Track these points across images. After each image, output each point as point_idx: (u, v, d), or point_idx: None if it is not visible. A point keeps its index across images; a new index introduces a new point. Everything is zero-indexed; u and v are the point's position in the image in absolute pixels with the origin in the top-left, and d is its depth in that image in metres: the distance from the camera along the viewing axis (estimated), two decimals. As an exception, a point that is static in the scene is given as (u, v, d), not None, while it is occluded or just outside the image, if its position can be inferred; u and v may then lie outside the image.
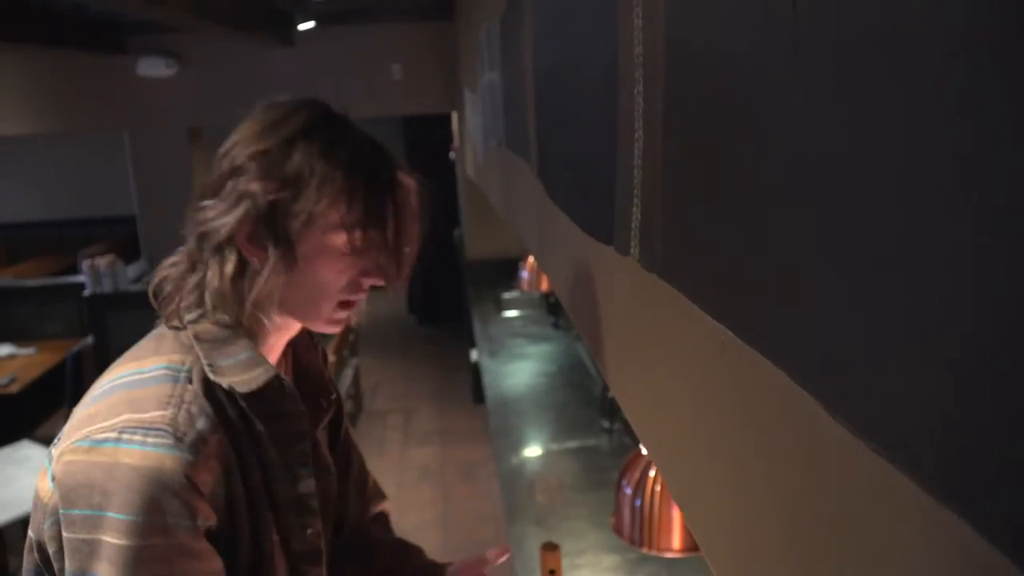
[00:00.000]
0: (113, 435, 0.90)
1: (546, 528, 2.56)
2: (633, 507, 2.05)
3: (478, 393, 5.64)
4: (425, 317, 8.38)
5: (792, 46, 0.48)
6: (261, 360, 0.99)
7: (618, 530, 2.11)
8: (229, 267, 0.97)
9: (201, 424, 0.94)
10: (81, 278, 5.43)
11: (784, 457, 0.53)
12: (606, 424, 3.17)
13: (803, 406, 0.48)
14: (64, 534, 0.91)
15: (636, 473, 2.05)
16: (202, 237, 0.99)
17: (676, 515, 1.98)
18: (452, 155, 7.35)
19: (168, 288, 1.03)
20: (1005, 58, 0.31)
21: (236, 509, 0.97)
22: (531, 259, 4.46)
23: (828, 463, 0.46)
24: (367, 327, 7.46)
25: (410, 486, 4.98)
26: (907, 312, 0.38)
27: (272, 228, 0.96)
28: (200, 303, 1.00)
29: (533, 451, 3.18)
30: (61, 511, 0.91)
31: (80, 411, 0.96)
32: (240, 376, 0.97)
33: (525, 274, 4.57)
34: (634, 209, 0.86)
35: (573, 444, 3.18)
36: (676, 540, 1.98)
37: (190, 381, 0.96)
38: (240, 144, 0.99)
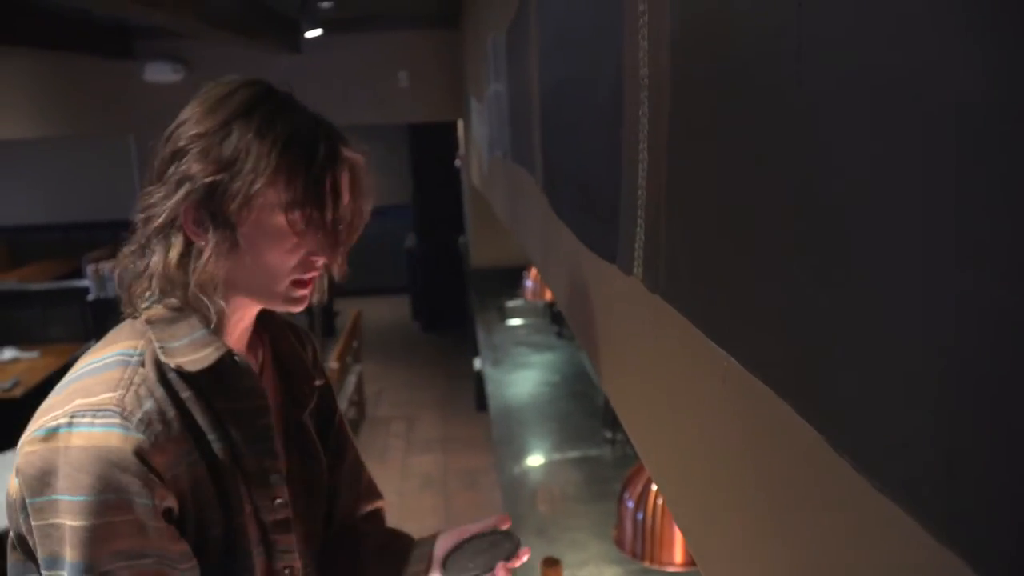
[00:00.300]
0: (65, 420, 0.93)
1: (548, 539, 2.56)
2: (635, 520, 2.04)
3: (481, 401, 5.64)
4: (429, 325, 8.38)
5: (797, 72, 0.48)
6: (212, 339, 1.01)
7: (620, 543, 2.10)
8: (174, 252, 0.98)
9: (149, 404, 0.96)
10: (85, 282, 5.44)
11: (785, 486, 0.53)
12: (609, 434, 3.16)
13: (805, 437, 0.48)
14: (32, 523, 0.94)
15: (638, 487, 2.05)
16: (147, 222, 1.00)
17: (678, 530, 1.97)
18: (457, 163, 7.36)
19: (127, 277, 1.04)
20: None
21: (202, 485, 0.99)
22: (535, 268, 4.46)
23: (828, 495, 0.46)
24: (371, 334, 7.48)
25: (412, 494, 4.97)
26: (911, 348, 0.38)
27: (212, 210, 0.97)
28: (151, 288, 1.02)
29: (536, 460, 3.18)
30: (27, 501, 0.93)
31: (41, 406, 0.99)
32: (190, 356, 0.99)
33: (529, 283, 4.57)
34: (638, 230, 0.86)
35: (575, 454, 3.17)
36: (678, 554, 1.98)
37: (142, 365, 0.98)
38: (182, 126, 1.00)
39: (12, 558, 1.03)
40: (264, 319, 1.16)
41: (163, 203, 0.98)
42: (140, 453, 0.93)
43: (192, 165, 0.97)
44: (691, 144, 0.69)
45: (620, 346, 1.01)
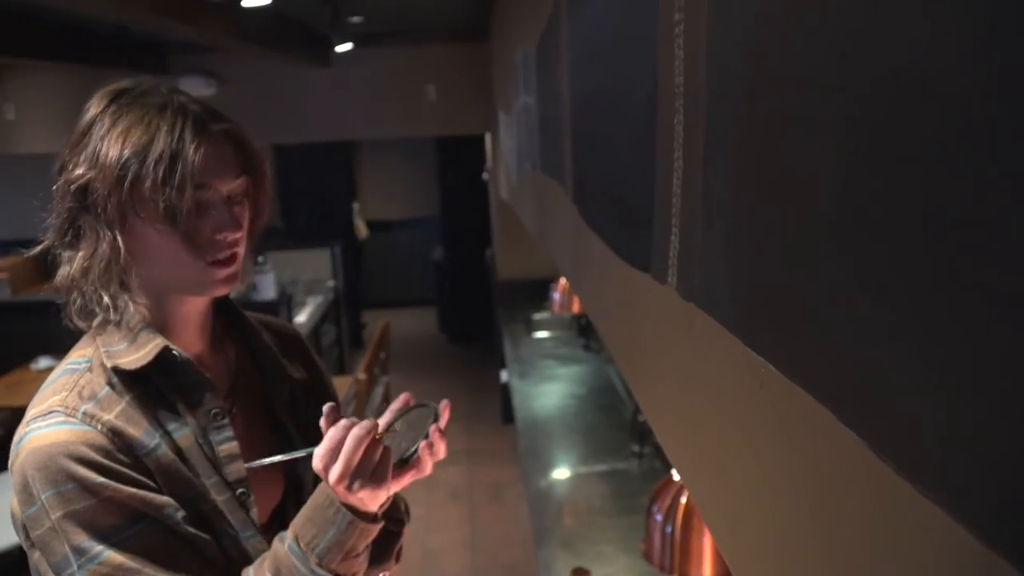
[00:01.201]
0: (23, 431, 1.01)
1: (575, 552, 2.55)
2: (664, 534, 2.03)
3: (507, 413, 5.63)
4: (455, 337, 8.39)
5: (840, 77, 0.48)
6: (151, 337, 1.05)
7: (648, 556, 2.09)
8: (71, 265, 1.03)
9: (90, 404, 1.01)
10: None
11: (824, 493, 0.52)
12: (636, 448, 3.15)
13: (845, 442, 0.48)
14: (33, 537, 1.00)
15: (667, 499, 2.04)
16: (53, 239, 1.07)
17: (707, 543, 1.96)
18: (485, 176, 7.39)
19: (66, 291, 1.09)
20: None
21: (171, 470, 1.03)
22: (562, 281, 4.46)
23: (870, 501, 0.46)
24: (398, 346, 7.50)
25: (438, 505, 4.97)
26: (954, 352, 0.38)
27: (90, 218, 1.01)
28: (74, 300, 1.06)
29: (562, 473, 3.17)
30: (23, 518, 1.00)
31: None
32: (131, 356, 1.03)
33: (556, 295, 4.57)
34: (672, 238, 0.86)
35: (602, 467, 3.16)
36: (707, 568, 1.96)
37: (90, 370, 1.04)
38: (65, 142, 1.06)
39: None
40: (234, 319, 1.22)
41: (53, 220, 1.05)
42: (89, 443, 0.98)
43: (64, 175, 1.03)
44: (728, 151, 0.69)
45: (653, 355, 1.01)
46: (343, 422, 1.03)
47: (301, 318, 6.28)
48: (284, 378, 1.24)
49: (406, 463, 1.07)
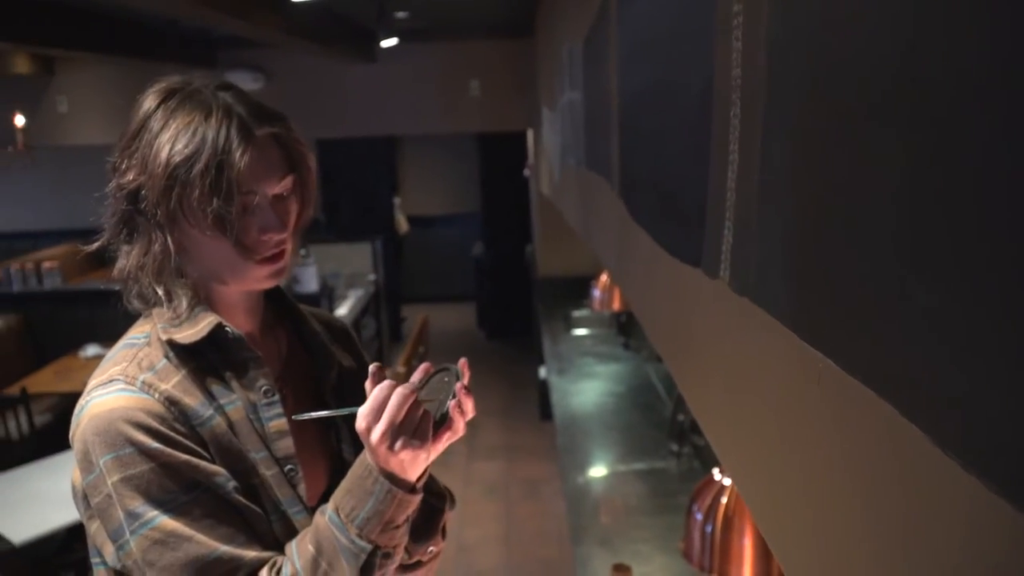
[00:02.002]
0: (85, 400, 1.04)
1: (611, 550, 2.54)
2: (704, 533, 2.02)
3: (545, 410, 5.63)
4: (494, 332, 8.41)
5: (910, 67, 0.47)
6: (206, 315, 1.09)
7: (687, 555, 2.08)
8: (130, 259, 1.08)
9: (148, 374, 1.05)
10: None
11: (886, 491, 0.52)
12: (675, 447, 3.13)
13: (909, 438, 0.47)
14: (93, 504, 1.04)
15: (708, 499, 2.02)
16: (108, 236, 1.11)
17: (748, 543, 1.94)
18: (526, 172, 7.38)
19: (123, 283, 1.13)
20: None
21: (223, 442, 1.06)
22: (603, 278, 4.44)
23: (935, 498, 0.45)
24: (437, 340, 7.54)
25: (474, 500, 4.99)
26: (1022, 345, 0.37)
27: (142, 219, 1.06)
28: (131, 289, 1.11)
29: (599, 471, 3.16)
30: (84, 485, 1.04)
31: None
32: (185, 332, 1.07)
33: (596, 293, 4.55)
34: (725, 232, 0.85)
35: (640, 466, 3.15)
36: (747, 568, 1.94)
37: (148, 344, 1.08)
38: (118, 140, 1.09)
39: (92, 552, 1.12)
40: (284, 307, 1.26)
41: (108, 219, 1.10)
42: (147, 410, 1.01)
43: (115, 180, 1.07)
44: (788, 144, 0.68)
45: (702, 351, 1.00)
46: (387, 382, 1.04)
47: (342, 311, 6.34)
48: (333, 363, 1.26)
49: (440, 425, 1.07)
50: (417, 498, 1.05)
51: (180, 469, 1.01)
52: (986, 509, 0.40)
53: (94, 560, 1.11)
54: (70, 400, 5.19)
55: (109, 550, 1.05)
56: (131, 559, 1.01)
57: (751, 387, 0.79)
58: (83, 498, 1.07)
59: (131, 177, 1.05)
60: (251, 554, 1.02)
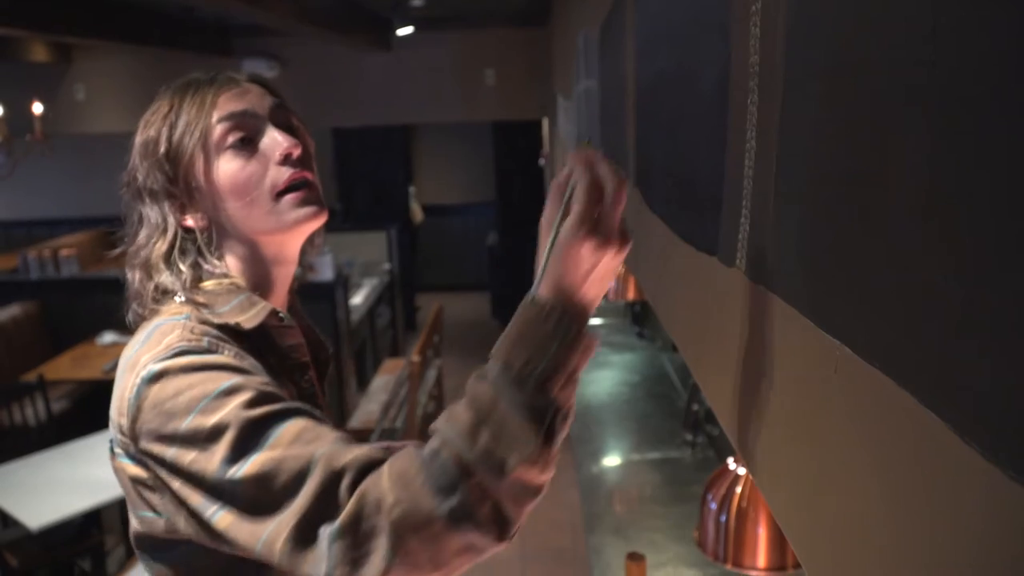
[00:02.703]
0: (141, 379, 0.93)
1: (625, 538, 2.54)
2: (718, 522, 2.01)
3: (559, 399, 5.61)
4: (508, 322, 8.40)
5: (930, 56, 0.47)
6: (256, 300, 1.05)
7: (702, 544, 2.08)
8: (148, 249, 1.05)
9: (208, 340, 0.98)
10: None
11: (904, 478, 0.51)
12: (689, 437, 3.12)
13: (928, 426, 0.47)
14: (180, 464, 0.90)
15: (722, 488, 2.02)
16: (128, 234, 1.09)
17: (762, 533, 1.94)
18: (541, 161, 7.37)
19: (139, 284, 1.07)
20: None
21: None
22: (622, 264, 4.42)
23: (955, 486, 0.45)
24: (451, 329, 7.55)
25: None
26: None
27: (156, 204, 1.05)
28: (191, 275, 1.06)
29: (613, 460, 3.16)
30: (168, 457, 0.91)
31: (115, 391, 1.00)
32: (241, 316, 1.03)
33: (611, 282, 4.54)
34: (742, 220, 0.84)
35: (655, 455, 3.15)
36: (761, 558, 1.94)
37: (191, 321, 1.01)
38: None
39: (139, 543, 1.05)
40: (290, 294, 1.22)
41: (126, 218, 1.09)
42: (224, 361, 0.95)
43: (139, 166, 1.06)
44: (806, 131, 0.68)
45: (717, 338, 1.00)
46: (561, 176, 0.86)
47: (357, 299, 6.37)
48: (326, 353, 1.25)
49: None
50: (596, 344, 0.85)
51: (271, 395, 0.93)
52: (1006, 497, 0.39)
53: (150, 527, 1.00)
54: (87, 387, 5.28)
55: (197, 500, 0.91)
56: (249, 477, 0.87)
57: (767, 375, 0.78)
58: (158, 488, 0.95)
59: (130, 170, 1.07)
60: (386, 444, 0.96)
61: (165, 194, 1.04)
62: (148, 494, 0.98)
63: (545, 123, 6.73)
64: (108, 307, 5.86)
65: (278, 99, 1.11)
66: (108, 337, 5.48)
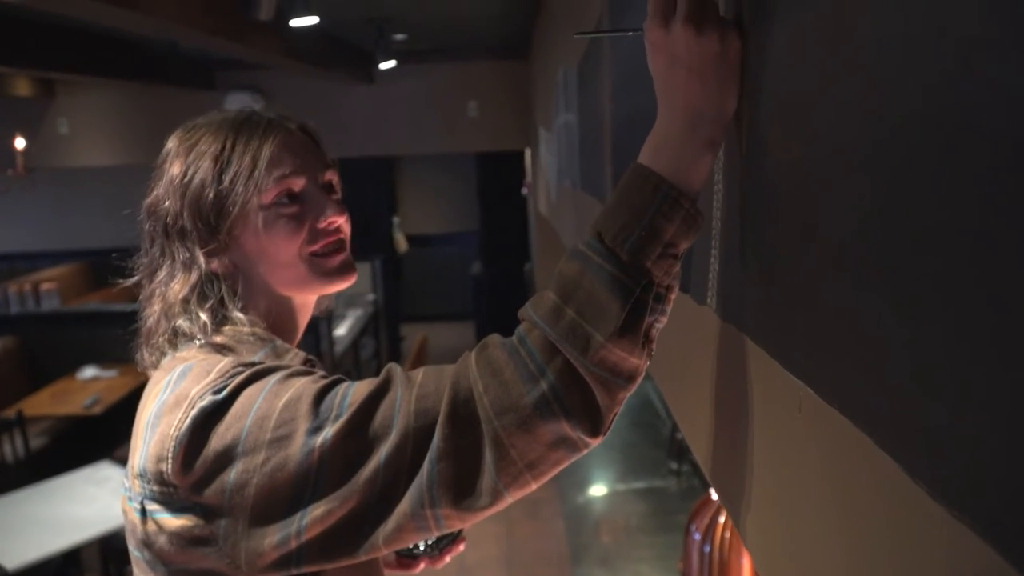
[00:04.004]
0: (200, 409, 0.86)
1: (612, 570, 2.54)
2: (702, 553, 2.02)
3: (544, 429, 5.60)
4: (493, 351, 8.39)
5: (879, 111, 0.49)
6: (287, 348, 1.00)
7: (686, 575, 2.08)
8: (171, 292, 0.99)
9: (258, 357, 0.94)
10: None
11: (862, 516, 0.53)
12: (674, 466, 3.13)
13: (882, 466, 0.49)
14: (249, 476, 0.83)
15: (705, 519, 2.03)
16: (143, 274, 1.04)
17: (746, 562, 1.94)
18: (524, 191, 7.42)
19: (154, 323, 1.02)
20: None
21: None
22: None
23: (907, 526, 0.46)
24: (436, 359, 7.53)
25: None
26: (990, 380, 0.38)
27: (180, 244, 0.99)
28: (212, 322, 0.99)
29: (599, 490, 3.17)
30: (232, 478, 0.84)
31: (150, 439, 0.91)
32: (276, 363, 0.94)
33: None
34: (712, 260, 0.87)
35: (640, 485, 3.15)
36: (745, 589, 1.95)
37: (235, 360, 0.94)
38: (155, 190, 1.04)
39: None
40: None
41: (142, 258, 1.04)
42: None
43: (172, 202, 1.00)
44: (766, 175, 0.70)
45: (690, 374, 1.02)
46: None
47: (341, 331, 6.36)
48: None
49: None
50: (700, 222, 0.75)
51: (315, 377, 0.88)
52: (949, 535, 0.41)
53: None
54: (66, 423, 5.23)
55: (278, 513, 0.83)
56: (340, 432, 0.81)
57: (738, 412, 0.80)
58: (226, 491, 0.85)
59: (161, 202, 1.00)
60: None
61: (198, 239, 0.98)
62: (196, 551, 0.88)
63: (528, 154, 6.78)
64: (90, 341, 5.76)
65: (327, 156, 1.07)
66: (89, 372, 5.43)
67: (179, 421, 0.87)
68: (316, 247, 1.01)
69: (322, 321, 5.58)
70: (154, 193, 1.02)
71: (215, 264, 0.99)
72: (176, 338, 0.98)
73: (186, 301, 0.98)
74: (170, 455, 0.87)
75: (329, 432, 0.81)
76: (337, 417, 0.82)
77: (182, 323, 0.98)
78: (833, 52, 0.56)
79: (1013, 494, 0.37)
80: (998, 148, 0.37)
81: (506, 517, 5.01)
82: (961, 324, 0.41)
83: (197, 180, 0.98)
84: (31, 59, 4.35)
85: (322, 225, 1.01)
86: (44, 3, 2.59)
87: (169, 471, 0.87)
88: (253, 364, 0.90)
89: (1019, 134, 0.36)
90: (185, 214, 0.98)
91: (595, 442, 0.78)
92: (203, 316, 0.97)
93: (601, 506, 3.05)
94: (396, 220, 9.04)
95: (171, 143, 1.03)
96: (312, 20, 3.17)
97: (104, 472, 4.05)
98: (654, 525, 2.83)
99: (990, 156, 0.38)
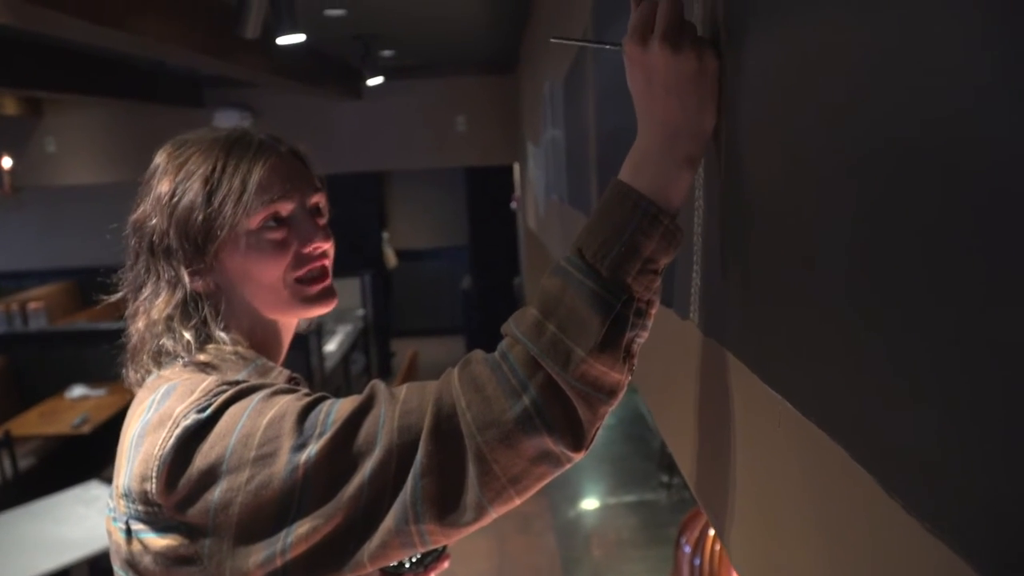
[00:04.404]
0: (184, 428, 0.86)
1: (603, 584, 2.54)
2: (692, 566, 2.02)
3: (535, 443, 5.59)
4: (483, 365, 8.39)
5: (847, 133, 0.50)
6: (271, 366, 1.00)
7: (676, 589, 2.08)
8: (155, 311, 0.98)
9: (243, 375, 0.94)
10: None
11: (840, 528, 0.54)
12: (665, 479, 3.13)
13: (858, 479, 0.49)
14: (234, 494, 0.83)
15: (695, 532, 2.03)
16: (127, 289, 1.03)
17: (735, 574, 1.95)
18: (513, 205, 7.43)
19: (138, 340, 1.02)
20: None
21: None
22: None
23: (882, 537, 0.47)
24: (427, 374, 7.50)
25: (465, 536, 4.95)
26: (961, 395, 0.39)
27: (166, 263, 0.98)
28: (195, 341, 0.98)
29: (590, 504, 3.16)
30: (217, 497, 0.84)
31: (134, 459, 0.90)
32: (260, 381, 0.95)
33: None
34: (694, 275, 0.87)
35: (631, 498, 3.15)
36: (735, 602, 1.95)
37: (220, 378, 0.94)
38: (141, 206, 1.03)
39: None
40: None
41: (127, 273, 1.03)
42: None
43: (129, 227, 1.01)
44: (745, 194, 0.71)
45: (675, 388, 1.02)
46: None
47: (331, 346, 6.34)
48: None
49: None
50: (680, 236, 0.76)
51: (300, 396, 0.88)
52: (922, 548, 0.42)
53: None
54: (55, 443, 5.19)
55: (262, 530, 0.83)
56: (324, 449, 0.81)
57: (720, 426, 0.81)
58: (210, 511, 0.85)
59: (148, 219, 0.99)
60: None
61: (184, 258, 0.98)
62: (181, 570, 0.88)
63: (516, 168, 6.80)
64: (77, 360, 5.71)
65: (316, 178, 1.07)
66: (78, 391, 5.39)
67: (163, 440, 0.87)
68: (300, 272, 1.01)
69: (312, 336, 5.57)
70: (141, 209, 1.02)
71: (199, 284, 0.99)
72: (160, 356, 0.98)
73: (170, 319, 0.98)
74: (154, 474, 0.87)
75: (313, 449, 0.81)
76: (321, 434, 0.82)
77: (166, 342, 0.98)
78: (807, 69, 0.57)
79: (982, 510, 0.37)
80: (972, 163, 0.38)
81: (497, 531, 4.99)
82: (931, 341, 0.41)
83: (186, 201, 0.97)
84: (18, 78, 4.34)
85: (307, 250, 1.01)
86: (31, 23, 2.60)
87: (153, 490, 0.87)
88: (237, 382, 0.91)
89: (990, 151, 0.37)
90: (172, 233, 0.98)
91: (577, 456, 0.78)
92: (186, 335, 0.97)
93: (592, 520, 3.05)
94: (386, 235, 9.04)
95: (160, 158, 1.03)
96: (299, 38, 3.18)
97: (93, 492, 4.01)
98: (645, 538, 2.83)
99: (966, 171, 0.39)
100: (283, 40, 3.13)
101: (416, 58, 5.96)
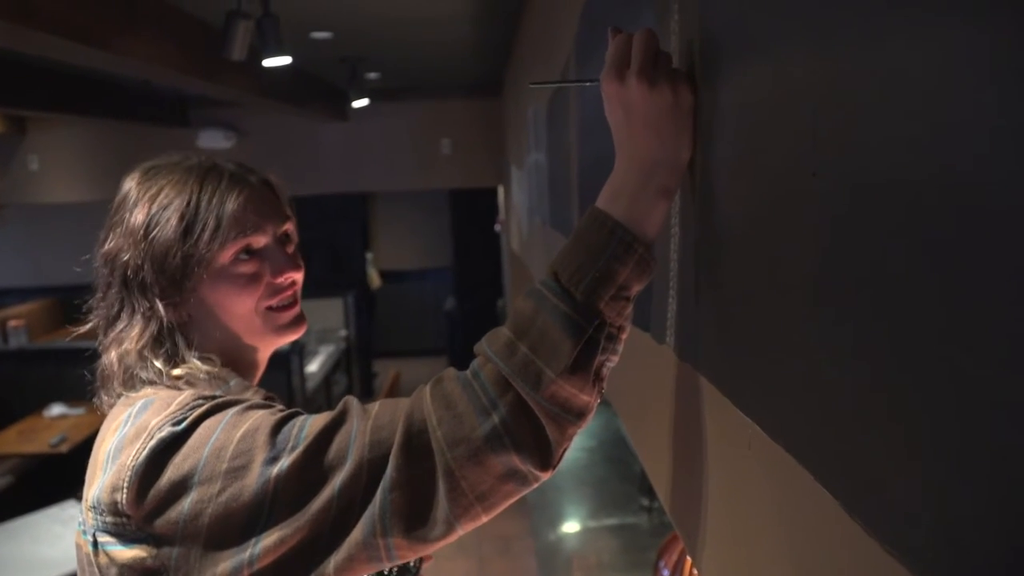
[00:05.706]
0: (159, 440, 0.87)
1: (583, 607, 2.53)
2: (670, 589, 2.03)
3: (517, 465, 5.58)
4: (466, 387, 8.38)
5: (812, 166, 0.52)
6: (246, 385, 1.01)
7: (655, 612, 2.08)
8: (126, 342, 0.99)
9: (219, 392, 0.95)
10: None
11: (807, 548, 0.55)
12: (645, 502, 3.14)
13: (822, 501, 0.51)
14: (204, 505, 0.84)
15: (674, 555, 2.04)
16: (98, 319, 1.03)
17: (714, 599, 1.95)
18: (497, 228, 7.46)
19: (111, 370, 1.02)
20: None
21: None
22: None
23: (845, 559, 0.49)
24: (409, 394, 7.48)
25: (446, 557, 4.93)
26: (919, 423, 0.41)
27: (139, 294, 0.99)
28: (167, 368, 0.99)
29: (571, 527, 3.16)
30: (186, 509, 0.84)
31: (109, 470, 0.90)
32: (236, 397, 0.96)
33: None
34: (670, 300, 0.89)
35: (612, 521, 3.15)
36: (714, 625, 1.96)
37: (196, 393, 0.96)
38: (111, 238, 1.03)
39: None
40: None
41: (98, 302, 1.03)
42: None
43: (101, 255, 1.01)
44: (718, 223, 0.73)
45: (651, 411, 1.04)
46: (623, 34, 0.81)
47: (313, 367, 6.32)
48: None
49: None
50: (653, 265, 0.78)
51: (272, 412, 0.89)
52: (880, 566, 0.43)
53: None
54: (33, 462, 5.14)
55: (231, 540, 0.84)
56: (296, 462, 0.82)
57: (694, 449, 0.82)
58: (182, 520, 0.85)
59: (121, 252, 0.99)
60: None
61: (159, 292, 0.98)
62: None
63: (501, 191, 6.84)
64: (57, 378, 5.66)
65: (286, 208, 1.08)
66: (56, 409, 5.35)
67: (137, 451, 0.87)
68: (272, 301, 1.03)
69: (293, 357, 5.55)
70: (113, 242, 1.02)
71: (172, 314, 1.00)
72: (134, 383, 0.99)
73: (143, 349, 0.98)
74: (125, 484, 0.87)
75: (285, 462, 0.82)
76: (294, 448, 0.82)
77: (139, 372, 0.98)
78: (777, 103, 0.59)
79: (930, 530, 0.39)
80: (934, 200, 0.40)
81: (478, 554, 4.97)
82: (886, 369, 0.43)
83: (162, 237, 0.98)
84: (1, 95, 4.34)
85: (279, 280, 1.03)
86: (15, 42, 2.60)
87: (124, 501, 0.87)
88: (214, 397, 0.92)
89: (954, 190, 0.39)
90: (147, 267, 0.98)
91: (544, 476, 0.80)
92: (158, 364, 0.98)
93: (573, 543, 3.05)
94: (370, 256, 9.04)
95: (129, 185, 1.03)
96: (285, 60, 3.20)
97: (70, 511, 3.97)
98: (626, 562, 2.83)
99: (928, 207, 0.41)
100: (269, 62, 3.15)
101: (402, 81, 6.00)
